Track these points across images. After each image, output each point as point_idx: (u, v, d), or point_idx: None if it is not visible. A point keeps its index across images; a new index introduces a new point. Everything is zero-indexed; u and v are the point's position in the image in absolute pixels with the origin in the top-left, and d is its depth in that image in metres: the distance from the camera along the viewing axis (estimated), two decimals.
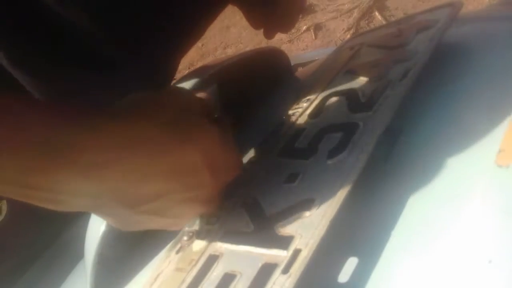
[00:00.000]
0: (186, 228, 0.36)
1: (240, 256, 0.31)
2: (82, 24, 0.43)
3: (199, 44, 1.80)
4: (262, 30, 0.57)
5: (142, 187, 0.28)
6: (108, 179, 0.27)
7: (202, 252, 0.33)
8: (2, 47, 0.41)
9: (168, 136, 0.29)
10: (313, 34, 1.63)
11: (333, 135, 0.35)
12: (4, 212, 0.63)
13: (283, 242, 0.29)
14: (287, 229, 0.30)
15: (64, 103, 0.27)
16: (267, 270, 0.28)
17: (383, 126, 0.33)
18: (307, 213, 0.30)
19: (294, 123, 0.41)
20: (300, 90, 0.46)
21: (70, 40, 0.43)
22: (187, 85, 0.42)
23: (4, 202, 0.64)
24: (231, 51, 1.76)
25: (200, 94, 0.36)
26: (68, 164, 0.26)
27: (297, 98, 0.45)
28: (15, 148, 0.25)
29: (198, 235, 0.34)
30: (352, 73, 0.42)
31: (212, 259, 0.32)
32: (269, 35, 0.56)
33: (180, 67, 0.59)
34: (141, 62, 0.48)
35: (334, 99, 0.40)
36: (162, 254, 0.36)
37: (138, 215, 0.30)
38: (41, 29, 0.42)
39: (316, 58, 0.72)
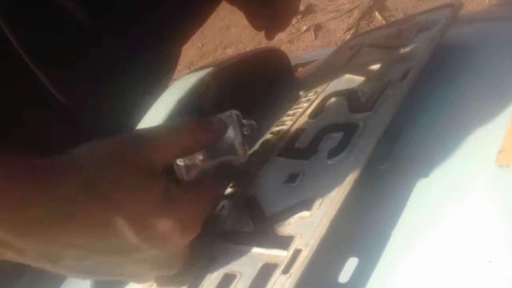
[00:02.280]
0: None
1: (240, 256, 0.31)
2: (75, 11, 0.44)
3: (199, 44, 1.80)
4: (262, 31, 0.58)
5: (60, 246, 0.27)
6: (32, 235, 0.26)
7: (202, 252, 0.33)
8: (17, 37, 0.42)
9: (89, 197, 0.27)
10: (313, 34, 1.63)
11: (333, 135, 0.35)
12: None
13: (283, 242, 0.29)
14: (287, 229, 0.30)
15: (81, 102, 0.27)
16: (267, 270, 0.28)
17: (383, 126, 0.33)
18: (307, 213, 0.30)
19: (294, 123, 0.41)
20: (300, 90, 0.46)
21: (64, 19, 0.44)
22: (187, 84, 0.42)
23: None
24: (231, 51, 1.76)
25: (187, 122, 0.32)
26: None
27: (297, 98, 0.45)
28: None
29: (198, 235, 0.34)
30: (352, 73, 0.42)
31: (212, 259, 0.32)
32: (270, 35, 0.57)
33: (180, 67, 0.59)
34: (140, 46, 0.49)
35: (334, 99, 0.40)
36: None
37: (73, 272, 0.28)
38: (43, 11, 0.43)
39: (316, 58, 0.73)
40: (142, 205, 0.27)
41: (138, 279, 0.32)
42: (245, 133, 0.33)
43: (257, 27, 0.56)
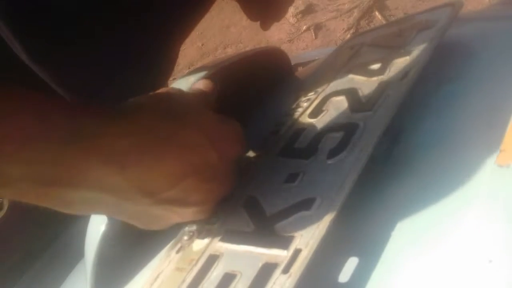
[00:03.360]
0: (186, 228, 0.36)
1: (240, 256, 0.31)
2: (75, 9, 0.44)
3: (199, 43, 1.80)
4: (259, 25, 0.58)
5: (158, 172, 0.30)
6: (128, 166, 0.28)
7: (202, 252, 0.33)
8: (22, 40, 0.42)
9: (170, 123, 0.31)
10: (313, 34, 1.63)
11: (333, 135, 0.35)
12: (5, 207, 0.63)
13: (283, 242, 0.29)
14: (287, 229, 0.30)
15: (84, 100, 0.29)
16: (267, 270, 0.28)
17: (383, 126, 0.33)
18: (307, 213, 0.30)
19: (294, 123, 0.41)
20: (300, 90, 0.46)
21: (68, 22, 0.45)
22: (187, 84, 0.42)
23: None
24: (231, 51, 1.76)
25: (201, 82, 0.38)
26: (91, 152, 0.27)
27: (297, 98, 0.45)
28: (42, 141, 0.25)
29: (198, 235, 0.34)
30: (352, 73, 0.42)
31: (212, 259, 0.32)
32: (265, 26, 0.57)
33: (180, 66, 0.59)
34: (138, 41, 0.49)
35: (334, 99, 0.40)
36: (162, 254, 0.36)
37: (159, 205, 0.30)
38: (47, 16, 0.43)
39: (316, 58, 0.72)
40: (210, 124, 0.33)
41: (203, 206, 0.33)
42: None
43: (253, 17, 0.56)
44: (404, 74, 0.37)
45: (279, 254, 0.28)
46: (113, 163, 0.28)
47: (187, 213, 0.33)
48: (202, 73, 0.44)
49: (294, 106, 0.44)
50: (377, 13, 1.58)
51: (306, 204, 0.30)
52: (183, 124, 0.32)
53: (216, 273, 0.30)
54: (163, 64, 0.56)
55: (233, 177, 0.35)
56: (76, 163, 0.26)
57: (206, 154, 0.32)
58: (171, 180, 0.30)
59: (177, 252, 0.34)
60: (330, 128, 0.37)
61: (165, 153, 0.30)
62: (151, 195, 0.30)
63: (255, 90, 0.50)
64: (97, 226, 0.40)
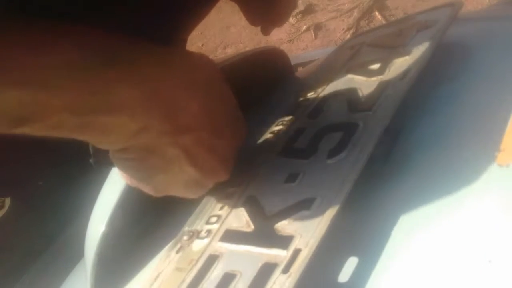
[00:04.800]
0: (186, 228, 0.36)
1: (240, 256, 0.31)
2: None
3: (199, 44, 1.80)
4: (259, 27, 0.57)
5: (184, 110, 0.31)
6: (160, 92, 0.29)
7: (202, 252, 0.33)
8: None
9: (205, 75, 0.33)
10: (313, 34, 1.63)
11: (333, 135, 0.35)
12: (6, 206, 0.63)
13: (283, 242, 0.29)
14: (287, 229, 0.30)
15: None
16: (267, 270, 0.28)
17: (383, 126, 0.33)
18: (307, 213, 0.30)
19: (294, 123, 0.41)
20: (300, 90, 0.46)
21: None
22: None
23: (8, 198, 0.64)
24: (231, 51, 1.76)
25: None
26: (127, 77, 0.28)
27: (297, 98, 0.45)
28: (81, 68, 0.26)
29: (198, 235, 0.34)
30: (352, 73, 0.42)
31: (212, 259, 0.32)
32: (266, 31, 0.57)
33: None
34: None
35: (334, 99, 0.40)
36: (162, 254, 0.36)
37: (175, 147, 0.31)
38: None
39: (316, 58, 0.72)
40: (232, 107, 0.36)
41: (203, 179, 0.34)
42: None
43: (254, 22, 0.56)
44: (404, 74, 0.37)
45: (279, 254, 0.28)
46: (146, 88, 0.28)
47: (189, 174, 0.33)
48: None
49: (294, 106, 0.44)
50: (377, 13, 1.58)
51: (306, 204, 0.31)
52: (215, 87, 0.33)
53: (216, 273, 0.30)
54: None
55: (230, 165, 0.35)
56: (112, 89, 0.27)
57: (221, 124, 0.33)
58: (192, 125, 0.31)
59: (177, 252, 0.34)
60: (330, 128, 0.37)
61: (196, 94, 0.31)
62: (172, 133, 0.30)
63: (255, 90, 0.50)
64: (97, 226, 0.40)
